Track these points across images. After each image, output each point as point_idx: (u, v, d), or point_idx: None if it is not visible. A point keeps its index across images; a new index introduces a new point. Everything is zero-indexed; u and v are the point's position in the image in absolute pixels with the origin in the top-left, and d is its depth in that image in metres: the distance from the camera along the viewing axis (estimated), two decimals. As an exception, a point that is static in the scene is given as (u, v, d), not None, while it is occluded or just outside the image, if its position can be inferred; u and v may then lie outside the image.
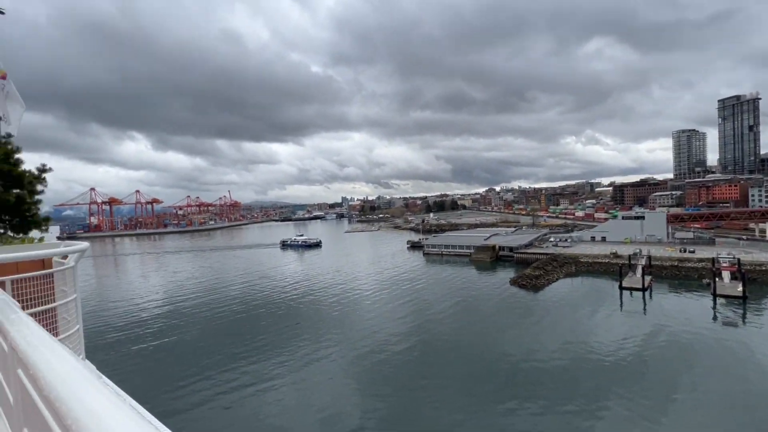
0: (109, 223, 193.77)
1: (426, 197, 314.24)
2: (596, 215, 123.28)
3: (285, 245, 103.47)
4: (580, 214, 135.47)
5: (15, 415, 1.94)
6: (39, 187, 7.59)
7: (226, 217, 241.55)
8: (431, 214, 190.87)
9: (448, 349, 28.43)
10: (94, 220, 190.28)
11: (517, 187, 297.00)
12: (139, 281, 63.37)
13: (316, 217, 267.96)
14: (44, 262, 3.87)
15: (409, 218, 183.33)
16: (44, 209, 8.01)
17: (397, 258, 74.53)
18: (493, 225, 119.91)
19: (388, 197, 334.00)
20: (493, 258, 66.56)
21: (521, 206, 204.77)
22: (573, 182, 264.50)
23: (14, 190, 6.85)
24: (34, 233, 7.23)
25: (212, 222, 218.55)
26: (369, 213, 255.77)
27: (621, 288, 43.61)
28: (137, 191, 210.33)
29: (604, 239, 71.14)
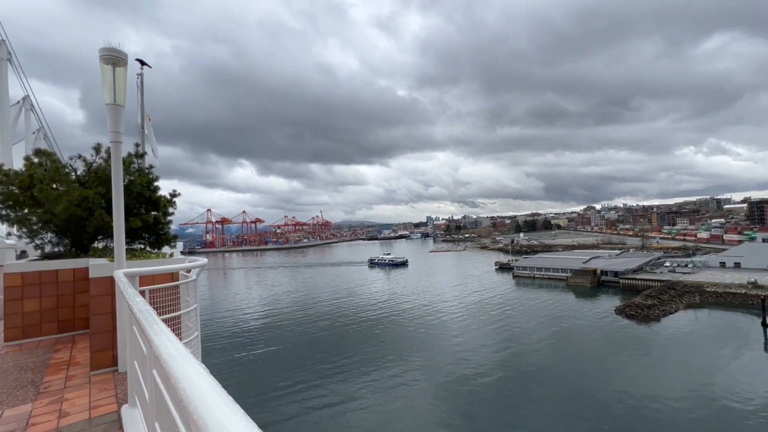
0: (221, 240, 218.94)
1: (515, 216, 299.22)
2: (726, 237, 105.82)
3: (372, 263, 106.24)
4: (703, 235, 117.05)
5: (149, 408, 2.26)
6: (170, 210, 8.92)
7: (318, 235, 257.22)
8: (521, 234, 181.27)
9: (543, 384, 26.09)
10: (209, 237, 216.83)
11: (621, 205, 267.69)
12: (244, 293, 70.03)
13: (401, 237, 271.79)
14: (173, 276, 4.51)
15: (497, 238, 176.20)
16: (173, 228, 9.39)
17: (485, 280, 71.57)
18: (593, 247, 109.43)
19: (474, 216, 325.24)
20: (594, 283, 60.31)
21: (627, 226, 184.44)
22: (693, 198, 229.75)
23: (153, 213, 8.17)
24: (165, 249, 8.50)
25: (306, 240, 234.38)
26: (454, 232, 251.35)
27: (765, 325, 36.43)
28: (244, 212, 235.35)
29: (737, 265, 60.13)
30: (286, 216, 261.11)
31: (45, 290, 6.33)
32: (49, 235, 7.55)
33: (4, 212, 7.09)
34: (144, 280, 4.19)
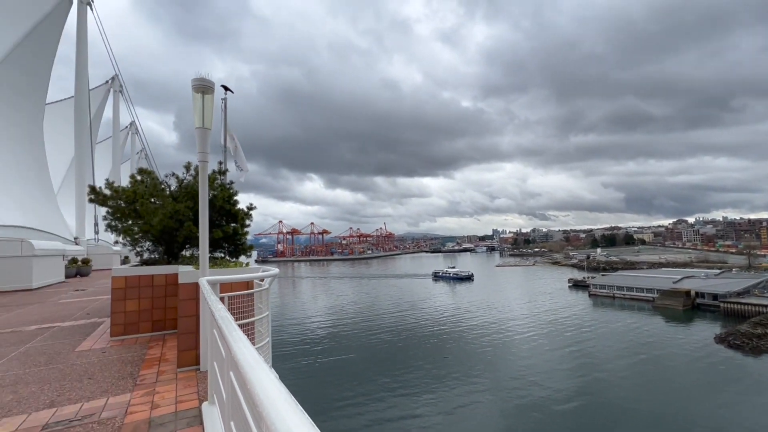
0: (291, 250, 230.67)
1: (591, 230, 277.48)
2: None
3: (437, 277, 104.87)
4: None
5: (226, 407, 2.45)
6: (247, 222, 9.65)
7: (382, 247, 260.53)
8: (598, 250, 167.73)
9: (628, 420, 23.58)
10: (280, 247, 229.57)
11: (720, 218, 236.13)
12: (311, 302, 72.91)
13: (465, 250, 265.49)
14: (248, 284, 4.87)
15: (571, 253, 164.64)
16: (249, 238, 10.14)
17: (557, 298, 67.05)
18: (685, 265, 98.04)
19: (544, 230, 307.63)
20: (687, 306, 53.68)
21: (728, 242, 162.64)
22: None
23: (232, 224, 8.91)
24: (242, 258, 9.19)
25: (370, 251, 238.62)
26: (523, 246, 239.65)
27: None
28: (312, 223, 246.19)
29: None
30: (351, 228, 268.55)
31: (142, 293, 7.16)
32: (147, 243, 8.57)
33: (113, 223, 8.20)
34: (224, 287, 4.58)
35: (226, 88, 10.90)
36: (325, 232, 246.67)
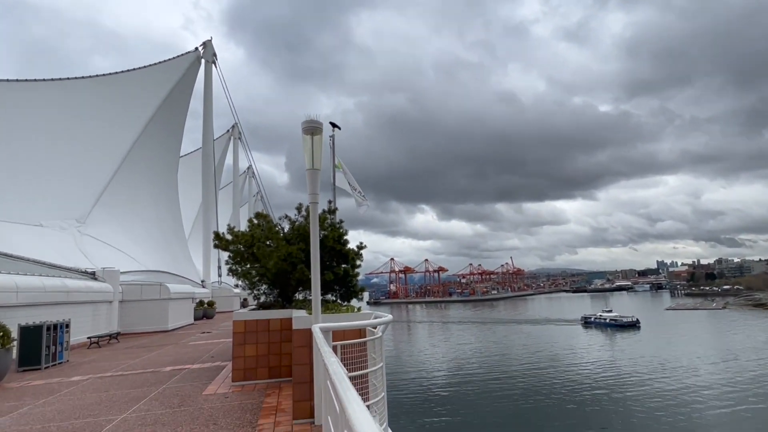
0: (404, 290, 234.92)
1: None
2: None
3: (588, 323, 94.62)
4: None
5: (341, 471, 2.53)
6: (357, 262, 10.21)
7: (509, 286, 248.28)
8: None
9: None
10: (392, 287, 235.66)
11: None
12: (429, 351, 72.30)
13: (620, 288, 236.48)
14: (360, 331, 5.09)
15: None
16: (359, 279, 10.68)
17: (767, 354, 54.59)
18: None
19: (736, 260, 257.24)
20: None
21: None
22: None
23: (343, 266, 9.52)
24: (354, 301, 9.69)
25: (494, 291, 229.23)
26: (704, 282, 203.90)
27: None
28: (426, 260, 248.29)
29: None
30: (471, 264, 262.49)
31: (260, 338, 8.01)
32: (264, 286, 9.65)
33: (234, 267, 9.49)
34: (336, 335, 4.86)
35: (333, 125, 12.03)
36: (441, 269, 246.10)
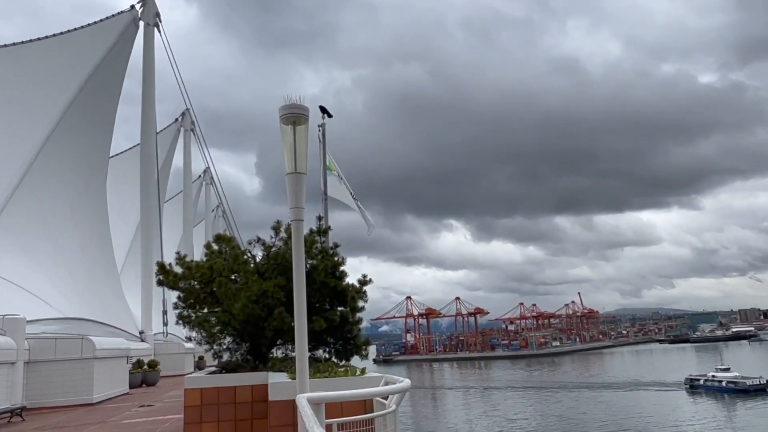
0: (426, 342, 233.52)
1: None
2: None
3: (694, 386, 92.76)
4: None
5: None
6: (360, 303, 10.20)
7: (577, 334, 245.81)
8: None
9: None
10: (410, 338, 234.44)
11: None
12: (464, 429, 71.37)
13: (738, 336, 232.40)
14: (365, 403, 5.06)
15: None
16: (363, 325, 10.65)
17: None
18: None
19: None
20: None
21: None
22: None
23: (339, 308, 9.53)
24: (355, 360, 9.66)
25: (556, 342, 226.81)
26: None
27: None
28: (457, 299, 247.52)
29: None
30: (521, 304, 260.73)
31: (223, 413, 7.98)
32: (228, 339, 9.67)
33: (185, 312, 9.54)
34: (330, 408, 4.83)
35: (323, 111, 12.18)
36: (478, 311, 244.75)
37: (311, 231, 10.13)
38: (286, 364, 8.53)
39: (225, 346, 9.99)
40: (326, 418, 4.38)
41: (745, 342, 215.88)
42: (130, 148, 47.18)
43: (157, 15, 38.78)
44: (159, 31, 38.96)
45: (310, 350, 9.82)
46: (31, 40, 31.62)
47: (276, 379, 6.06)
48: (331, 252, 9.98)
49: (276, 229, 9.83)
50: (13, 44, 31.17)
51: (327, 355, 10.20)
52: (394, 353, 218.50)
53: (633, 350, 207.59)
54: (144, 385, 26.01)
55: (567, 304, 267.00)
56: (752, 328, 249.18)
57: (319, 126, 12.42)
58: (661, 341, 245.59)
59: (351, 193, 12.07)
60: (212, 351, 10.18)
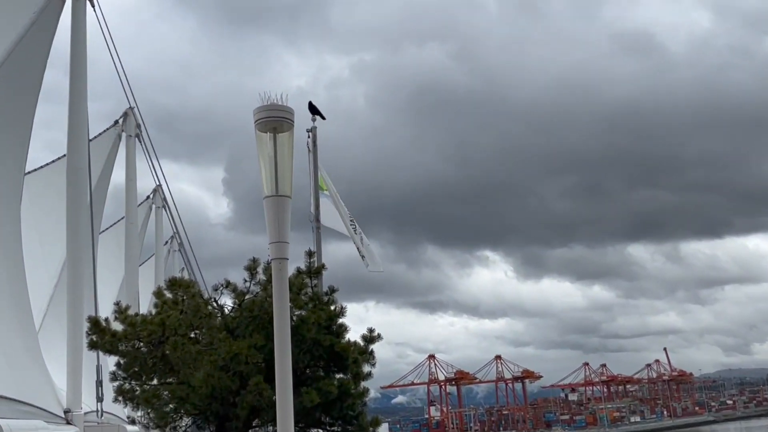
0: (457, 418, 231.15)
1: None
2: None
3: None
4: None
5: None
6: (365, 368, 10.17)
7: (664, 405, 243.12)
8: None
9: None
10: (435, 411, 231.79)
11: None
12: None
13: None
14: None
15: None
16: (370, 396, 10.61)
17: None
18: None
19: None
20: None
21: None
22: None
23: (337, 375, 9.49)
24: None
25: (635, 417, 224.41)
26: None
27: None
28: (497, 358, 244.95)
29: None
30: (585, 364, 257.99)
31: None
32: (185, 421, 9.62)
33: (127, 384, 9.50)
34: None
35: (313, 111, 12.25)
36: (527, 375, 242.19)
37: (299, 271, 10.13)
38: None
39: (182, 430, 9.94)
40: None
41: None
42: (54, 161, 47.61)
43: (90, -17, 39.23)
44: (93, 6, 39.40)
45: (301, 430, 9.74)
46: None
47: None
48: (325, 298, 9.97)
49: (251, 269, 9.83)
50: None
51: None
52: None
53: (744, 427, 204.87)
54: (71, 484, 25.86)
55: (649, 365, 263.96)
56: None
57: (308, 131, 12.51)
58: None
59: (350, 219, 12.07)
60: (165, 438, 10.12)
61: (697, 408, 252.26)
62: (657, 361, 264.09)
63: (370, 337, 10.42)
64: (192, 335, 9.53)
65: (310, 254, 10.76)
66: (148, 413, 9.81)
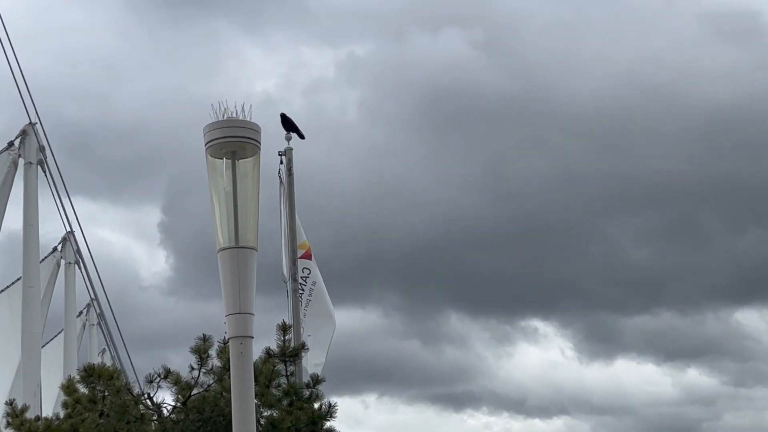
0: None
1: None
2: None
3: None
4: None
5: None
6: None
7: None
8: None
9: None
10: None
11: None
12: None
13: None
14: None
15: None
16: None
17: None
18: None
19: None
20: None
21: None
22: None
23: None
24: None
25: None
26: None
27: None
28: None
29: None
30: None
31: None
32: None
33: None
34: None
35: (287, 125, 12.24)
36: None
37: (268, 354, 10.08)
38: None
39: None
40: None
41: None
42: None
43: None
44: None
45: None
46: None
47: None
48: (306, 393, 9.92)
49: (201, 352, 9.75)
50: None
51: None
52: None
53: None
54: None
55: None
56: None
57: (280, 154, 12.48)
58: None
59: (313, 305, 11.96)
60: None
61: None
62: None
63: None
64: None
65: (284, 329, 10.67)
66: None
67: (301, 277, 12.45)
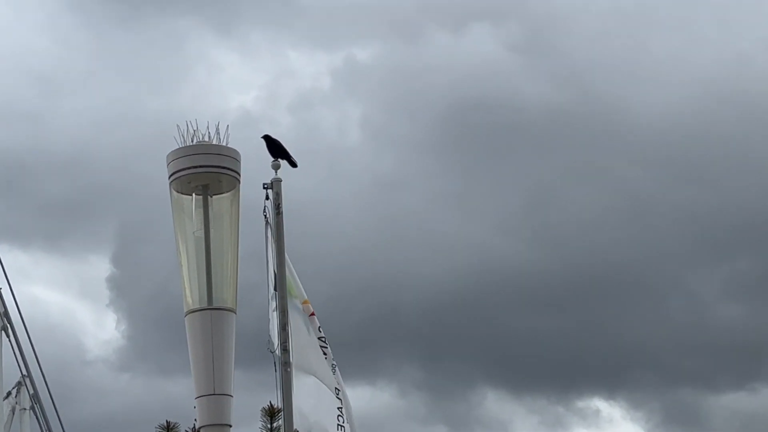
0: None
1: None
2: None
3: None
4: None
5: None
6: None
7: None
8: None
9: None
10: None
11: None
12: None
13: None
14: None
15: None
16: None
17: None
18: None
19: None
20: None
21: None
22: None
23: None
24: None
25: None
26: None
27: None
28: None
29: None
30: None
31: None
32: None
33: None
34: None
35: (274, 150, 12.17)
36: None
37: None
38: None
39: None
40: None
41: None
42: None
43: None
44: None
45: None
46: None
47: None
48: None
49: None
50: None
51: None
52: None
53: None
54: None
55: None
56: None
57: (265, 187, 12.36)
58: None
59: (324, 350, 11.89)
60: None
61: None
62: None
63: None
64: None
65: (271, 413, 10.66)
66: None
67: (319, 338, 12.44)
